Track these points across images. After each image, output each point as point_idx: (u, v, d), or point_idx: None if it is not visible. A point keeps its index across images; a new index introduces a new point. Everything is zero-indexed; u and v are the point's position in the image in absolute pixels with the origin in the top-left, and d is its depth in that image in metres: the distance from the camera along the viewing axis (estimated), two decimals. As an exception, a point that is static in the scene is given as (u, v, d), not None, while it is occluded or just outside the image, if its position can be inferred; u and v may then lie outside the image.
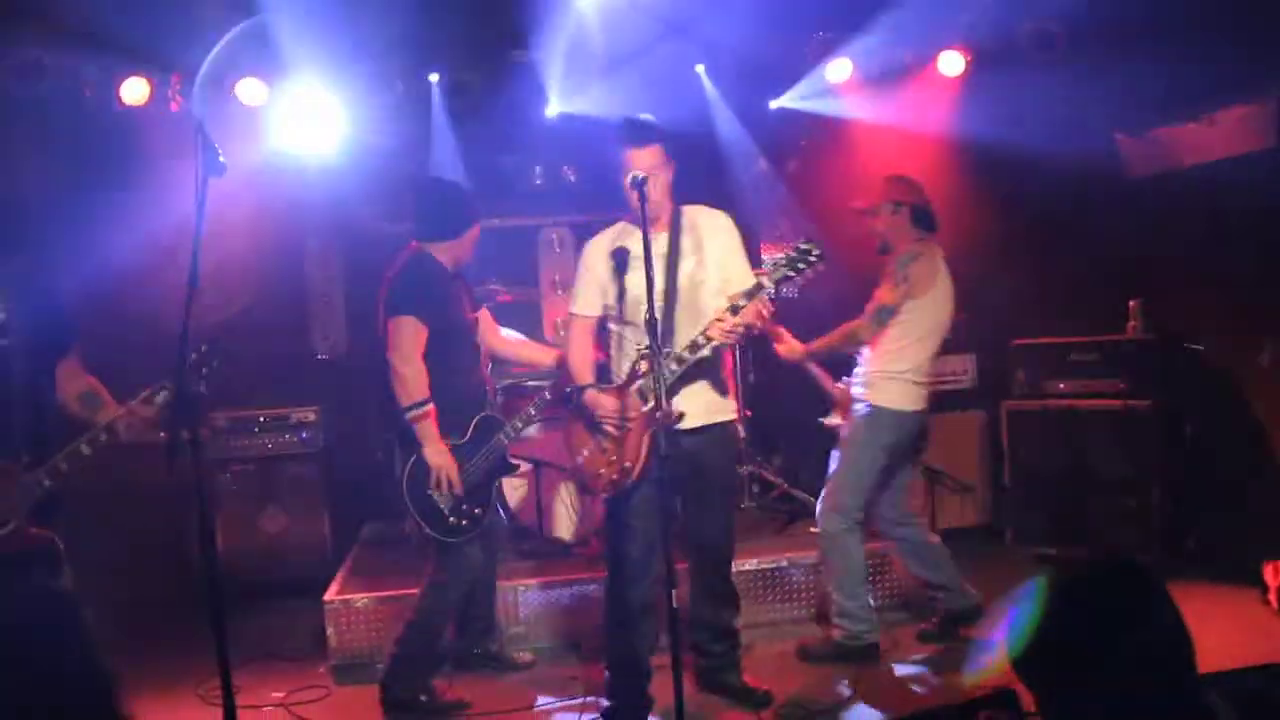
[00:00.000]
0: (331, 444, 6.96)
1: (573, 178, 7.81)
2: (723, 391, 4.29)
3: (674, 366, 3.99)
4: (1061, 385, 6.46)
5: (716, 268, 4.21)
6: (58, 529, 3.55)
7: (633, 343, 4.16)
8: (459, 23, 6.34)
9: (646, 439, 4.00)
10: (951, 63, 7.00)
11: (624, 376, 4.18)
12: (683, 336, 4.07)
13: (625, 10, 6.41)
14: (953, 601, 5.09)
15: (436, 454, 4.44)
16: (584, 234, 8.06)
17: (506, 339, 5.23)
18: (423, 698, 4.63)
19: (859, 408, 4.96)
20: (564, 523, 6.12)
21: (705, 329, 3.98)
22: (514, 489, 6.21)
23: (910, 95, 7.12)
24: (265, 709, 4.82)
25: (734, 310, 3.96)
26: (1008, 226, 6.98)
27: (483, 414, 4.66)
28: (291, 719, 4.74)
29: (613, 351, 4.32)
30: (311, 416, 6.82)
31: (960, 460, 6.92)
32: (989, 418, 6.96)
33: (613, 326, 4.29)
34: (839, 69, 7.06)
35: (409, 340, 4.43)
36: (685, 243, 4.19)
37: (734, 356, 5.10)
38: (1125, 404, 6.10)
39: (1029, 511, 6.57)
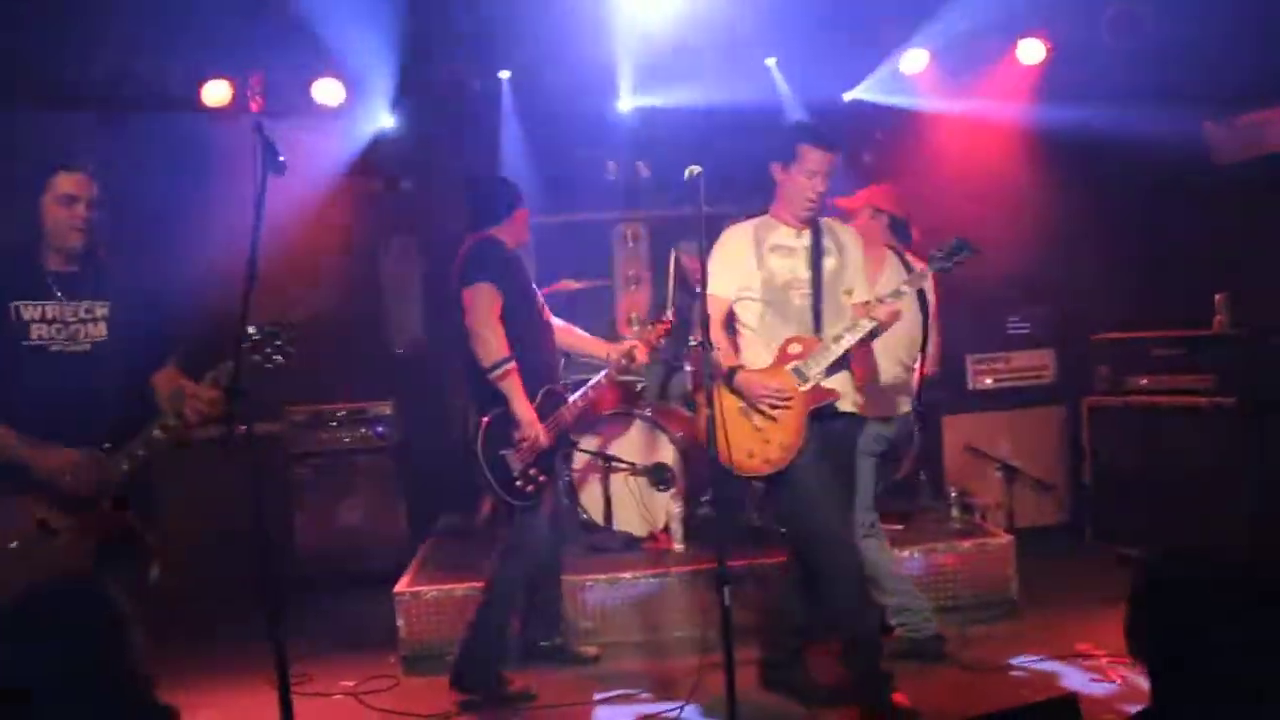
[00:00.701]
0: (408, 437, 7.07)
1: (646, 172, 7.82)
2: (855, 384, 4.41)
3: (833, 348, 4.17)
4: (1144, 380, 6.28)
5: (853, 270, 4.41)
6: (146, 514, 3.70)
7: (778, 327, 4.27)
8: (527, 20, 6.35)
9: (804, 420, 4.16)
10: (1031, 50, 6.85)
11: (760, 362, 4.28)
12: (826, 325, 4.26)
13: (696, 3, 6.38)
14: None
15: (523, 408, 4.58)
16: (659, 228, 8.20)
17: (557, 325, 5.27)
18: (491, 684, 4.71)
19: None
20: (632, 517, 6.14)
21: (869, 312, 4.19)
22: (584, 483, 6.24)
23: (988, 85, 6.99)
24: (334, 697, 4.93)
25: (897, 295, 4.24)
26: (1089, 217, 6.82)
27: (549, 386, 4.77)
28: (358, 708, 4.83)
29: (747, 335, 4.37)
30: (387, 410, 6.94)
31: (1039, 457, 6.79)
32: (1069, 414, 6.82)
33: (747, 311, 4.35)
34: (914, 60, 6.95)
35: (485, 304, 4.59)
36: (827, 242, 4.37)
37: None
38: (1211, 400, 5.90)
39: (1110, 510, 6.41)
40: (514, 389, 4.57)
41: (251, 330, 3.32)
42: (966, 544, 5.61)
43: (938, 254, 4.34)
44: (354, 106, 6.91)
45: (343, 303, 7.26)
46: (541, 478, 4.66)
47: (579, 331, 5.25)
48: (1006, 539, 5.63)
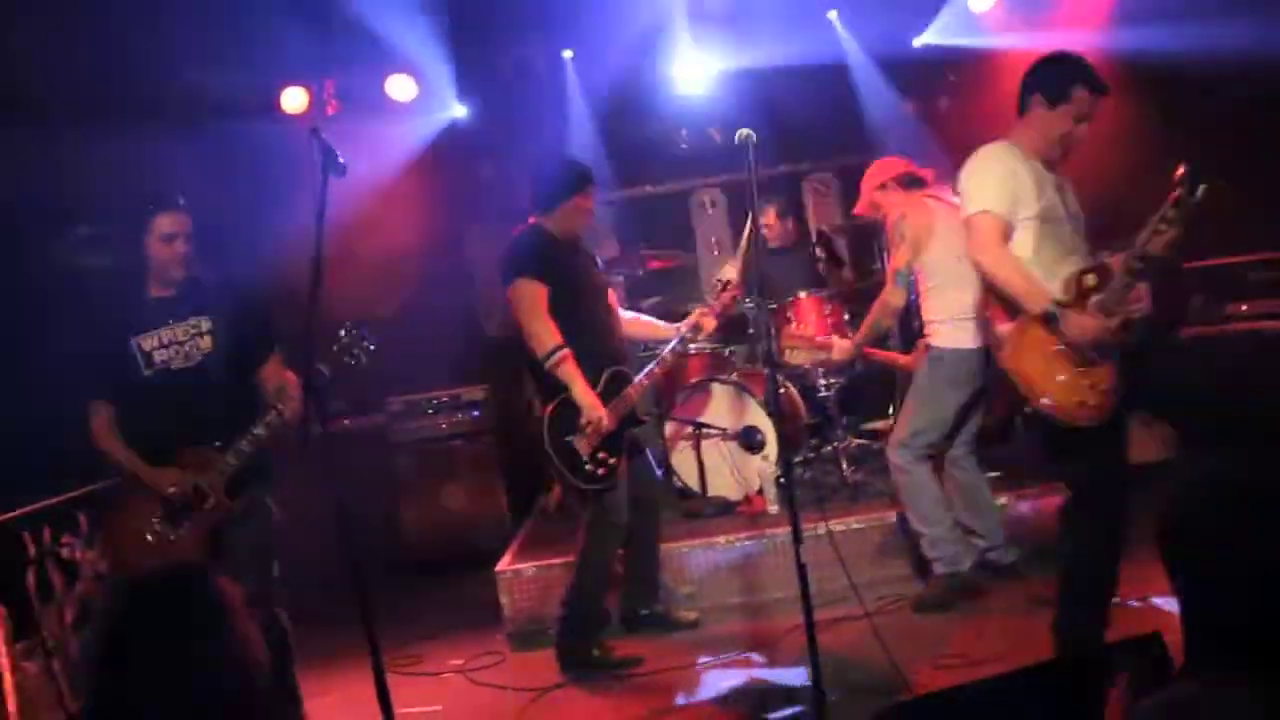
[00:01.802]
0: (504, 420, 7.20)
1: (718, 138, 7.81)
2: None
3: (1129, 280, 3.72)
4: (1244, 307, 6.07)
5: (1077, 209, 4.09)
6: (257, 502, 4.08)
7: (1056, 261, 3.86)
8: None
9: (1119, 360, 3.75)
10: None
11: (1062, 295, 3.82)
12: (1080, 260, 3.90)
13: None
14: (991, 552, 5.10)
15: (583, 392, 4.61)
16: (736, 193, 8.16)
17: (624, 318, 5.30)
18: (595, 652, 4.83)
19: (925, 355, 5.10)
20: (726, 482, 6.18)
21: (1145, 243, 3.70)
22: (677, 451, 6.30)
23: (1060, 14, 6.79)
24: (444, 675, 5.10)
25: (1168, 221, 3.71)
26: (1173, 142, 6.59)
27: (615, 368, 4.81)
28: (468, 685, 4.98)
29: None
30: (480, 395, 7.07)
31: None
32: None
33: (1023, 237, 3.89)
34: (981, -3, 6.82)
35: (529, 299, 4.63)
36: (1063, 178, 4.05)
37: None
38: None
39: (1211, 444, 6.21)
40: (572, 375, 4.60)
41: (341, 332, 3.80)
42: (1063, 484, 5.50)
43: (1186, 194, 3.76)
44: (427, 99, 7.05)
45: (431, 293, 7.41)
46: (611, 460, 4.69)
47: (644, 319, 5.27)
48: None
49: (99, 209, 5.80)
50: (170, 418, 3.97)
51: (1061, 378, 3.75)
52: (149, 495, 3.96)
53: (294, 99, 6.93)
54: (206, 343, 4.02)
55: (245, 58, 6.49)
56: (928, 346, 5.08)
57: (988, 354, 4.76)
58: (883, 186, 5.20)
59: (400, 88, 7.04)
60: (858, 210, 5.39)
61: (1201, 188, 3.71)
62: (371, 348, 3.90)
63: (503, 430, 7.14)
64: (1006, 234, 3.86)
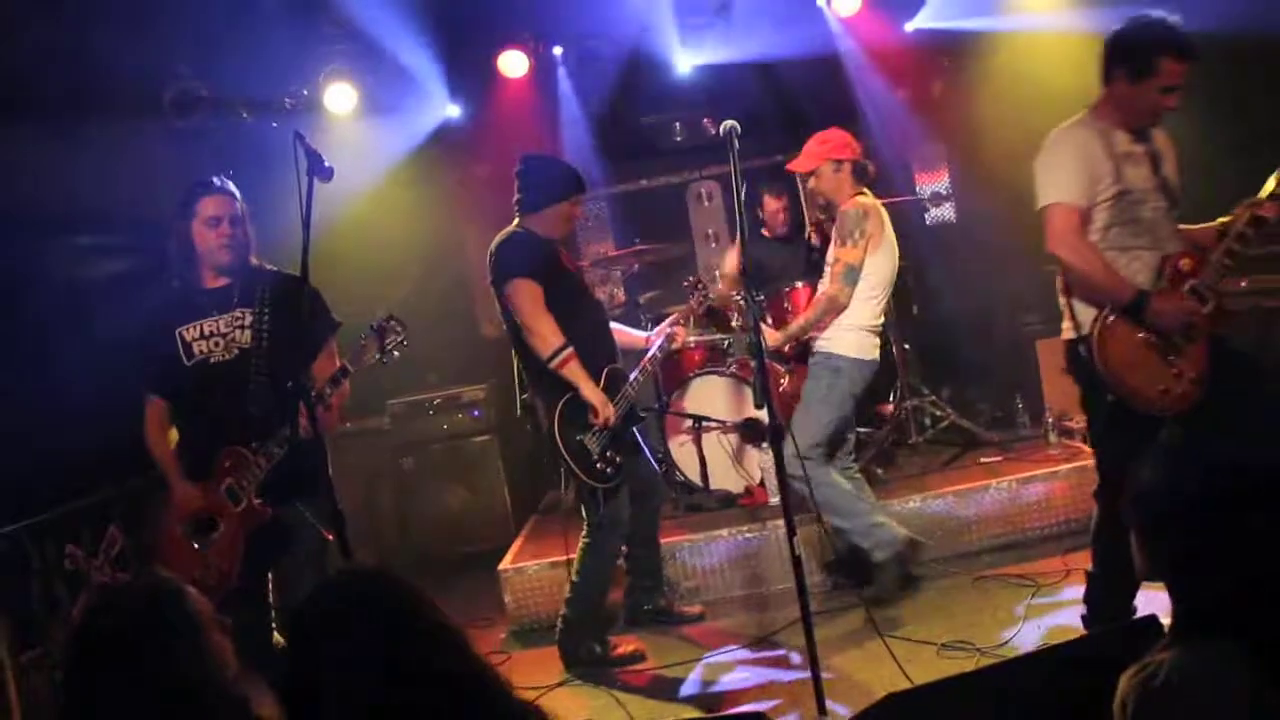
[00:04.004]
0: (505, 419, 7.19)
1: (713, 129, 7.80)
2: None
3: (1226, 262, 3.68)
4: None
5: (1174, 179, 3.93)
6: (298, 517, 3.96)
7: (1127, 243, 3.78)
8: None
9: (1205, 345, 3.71)
10: None
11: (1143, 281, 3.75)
12: (1174, 238, 3.82)
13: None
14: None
15: (591, 391, 4.62)
16: (731, 183, 8.09)
17: None
18: (598, 649, 4.83)
19: (817, 359, 5.03)
20: (728, 475, 6.17)
21: (1241, 222, 3.64)
22: (678, 445, 6.29)
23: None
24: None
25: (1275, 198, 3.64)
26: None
27: (612, 365, 4.82)
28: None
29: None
30: (481, 394, 7.07)
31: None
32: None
33: (1095, 222, 3.80)
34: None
35: (529, 298, 4.59)
36: (1158, 146, 3.90)
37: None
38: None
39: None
40: (578, 374, 4.60)
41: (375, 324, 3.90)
42: (1065, 468, 5.50)
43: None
44: (419, 100, 7.03)
45: (430, 294, 7.41)
46: (619, 457, 4.71)
47: (618, 327, 5.19)
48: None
49: (95, 216, 5.82)
50: (211, 412, 3.94)
51: (1148, 366, 3.69)
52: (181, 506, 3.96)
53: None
54: (246, 336, 3.95)
55: (248, 56, 6.46)
56: (827, 355, 5.00)
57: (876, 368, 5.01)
58: (839, 164, 4.99)
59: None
60: (796, 165, 5.13)
61: None
62: (405, 343, 3.98)
63: (504, 429, 7.14)
64: (1084, 222, 3.75)
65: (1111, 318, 3.70)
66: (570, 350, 4.59)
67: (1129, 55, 3.72)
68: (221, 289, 4.01)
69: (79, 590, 4.76)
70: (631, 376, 4.85)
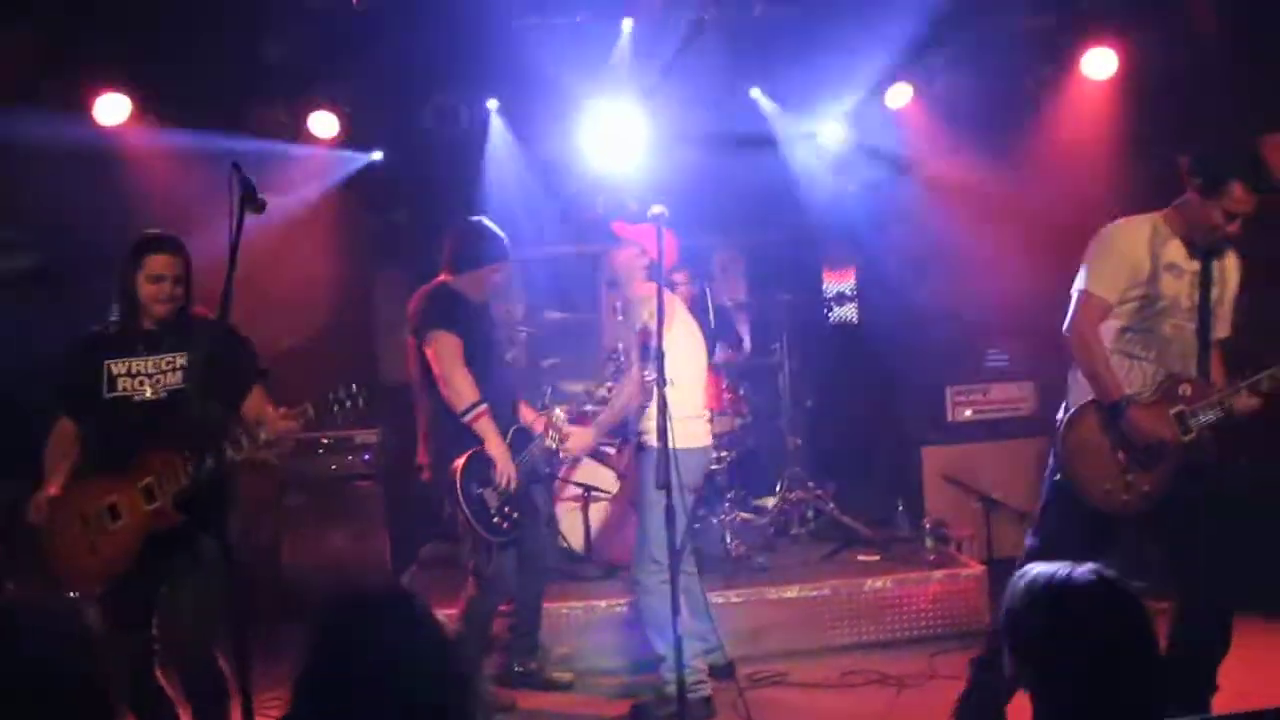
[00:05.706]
0: (393, 466, 7.12)
1: (634, 207, 7.88)
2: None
3: (1226, 403, 3.75)
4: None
5: (1227, 307, 3.97)
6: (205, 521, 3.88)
7: (1134, 353, 3.90)
8: (510, 52, 6.41)
9: (1172, 470, 3.76)
10: (1100, 62, 6.52)
11: (1140, 390, 3.85)
12: (1194, 363, 3.87)
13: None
14: (710, 654, 4.98)
15: (499, 448, 4.69)
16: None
17: None
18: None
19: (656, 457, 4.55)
20: (612, 545, 6.21)
21: (1258, 388, 3.72)
22: (565, 511, 6.31)
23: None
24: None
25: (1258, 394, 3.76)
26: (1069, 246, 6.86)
27: (517, 426, 4.91)
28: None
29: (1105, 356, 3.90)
30: (373, 439, 7.00)
31: (1017, 488, 6.83)
32: (1049, 445, 6.85)
33: (1111, 323, 3.90)
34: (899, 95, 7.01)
35: (449, 351, 4.69)
36: (1215, 270, 3.90)
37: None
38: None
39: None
40: (488, 430, 4.70)
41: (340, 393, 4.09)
42: (939, 574, 5.68)
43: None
44: (348, 138, 7.02)
45: (333, 331, 7.33)
46: (515, 514, 4.78)
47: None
48: (979, 569, 5.71)
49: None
50: (118, 445, 3.93)
51: (1099, 463, 3.81)
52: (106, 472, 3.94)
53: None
54: (176, 379, 4.00)
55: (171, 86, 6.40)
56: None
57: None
58: (644, 253, 4.86)
59: (322, 124, 6.98)
60: (622, 230, 5.08)
61: None
62: (361, 404, 4.10)
63: (392, 476, 7.06)
64: (1104, 316, 3.87)
65: (1092, 407, 3.86)
66: (485, 406, 4.67)
67: (1206, 169, 3.77)
68: (154, 331, 4.06)
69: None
70: (534, 439, 4.91)
